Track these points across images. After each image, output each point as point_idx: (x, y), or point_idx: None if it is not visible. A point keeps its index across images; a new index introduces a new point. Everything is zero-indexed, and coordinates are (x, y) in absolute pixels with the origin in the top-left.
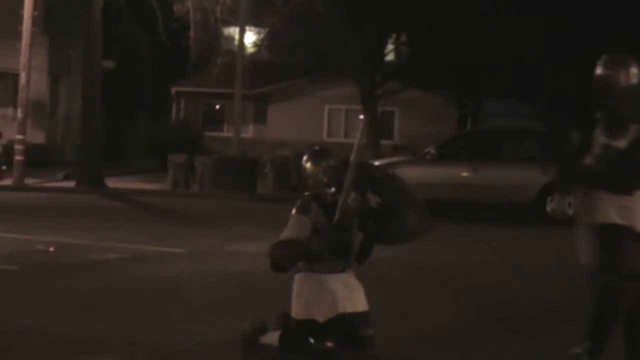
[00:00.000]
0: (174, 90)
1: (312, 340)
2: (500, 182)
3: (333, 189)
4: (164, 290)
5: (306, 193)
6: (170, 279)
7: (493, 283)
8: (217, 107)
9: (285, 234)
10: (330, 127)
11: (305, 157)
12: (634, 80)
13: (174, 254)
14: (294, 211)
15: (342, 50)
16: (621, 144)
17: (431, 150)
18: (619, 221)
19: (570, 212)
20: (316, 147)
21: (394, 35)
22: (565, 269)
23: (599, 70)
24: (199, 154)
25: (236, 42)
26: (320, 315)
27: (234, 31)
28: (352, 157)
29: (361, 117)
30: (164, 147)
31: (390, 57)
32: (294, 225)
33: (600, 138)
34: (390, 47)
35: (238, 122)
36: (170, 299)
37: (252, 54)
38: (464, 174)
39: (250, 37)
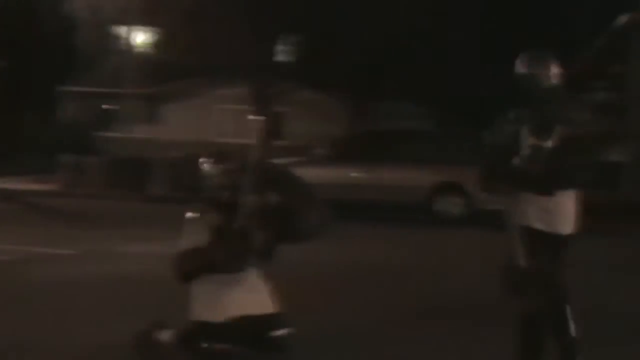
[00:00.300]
0: (64, 89)
1: (207, 343)
2: (392, 183)
3: (229, 192)
4: (55, 293)
5: (203, 195)
6: (63, 282)
7: (387, 281)
8: (109, 107)
9: (185, 242)
10: (221, 127)
11: (204, 159)
12: (555, 80)
13: (65, 256)
14: (189, 215)
15: (234, 50)
16: (549, 144)
17: (323, 151)
18: (538, 225)
19: (457, 212)
20: (215, 149)
21: (286, 36)
22: (459, 267)
23: (521, 70)
24: (90, 154)
25: (127, 42)
26: (217, 316)
27: (124, 30)
28: (250, 159)
29: (254, 117)
30: (54, 147)
31: (283, 57)
32: (192, 230)
33: (528, 139)
34: (283, 47)
35: (129, 122)
36: (63, 302)
37: (143, 54)
38: (356, 174)
39: (142, 37)
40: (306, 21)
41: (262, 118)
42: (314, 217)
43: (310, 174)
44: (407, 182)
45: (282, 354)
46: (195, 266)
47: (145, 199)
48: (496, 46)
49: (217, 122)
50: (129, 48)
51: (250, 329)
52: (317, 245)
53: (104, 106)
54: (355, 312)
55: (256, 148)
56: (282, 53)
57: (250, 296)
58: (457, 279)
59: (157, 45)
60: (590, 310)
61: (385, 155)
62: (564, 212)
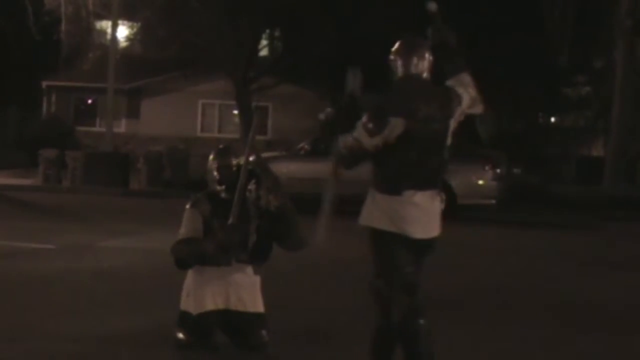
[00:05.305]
0: (44, 84)
1: (184, 333)
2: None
3: (223, 187)
4: (35, 287)
5: (206, 188)
6: (42, 276)
7: (368, 276)
8: (89, 101)
9: (182, 231)
10: (204, 122)
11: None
12: (419, 69)
13: (45, 250)
14: (187, 205)
15: (215, 45)
16: (371, 140)
17: (305, 145)
18: (387, 227)
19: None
20: (221, 145)
21: (268, 30)
22: (436, 262)
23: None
24: (71, 148)
25: (108, 36)
26: (195, 307)
27: (106, 25)
28: (245, 156)
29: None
30: (34, 141)
31: (264, 52)
32: (187, 219)
33: (357, 129)
34: (264, 41)
35: (110, 117)
36: (42, 296)
37: (125, 48)
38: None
39: (123, 31)
40: (286, 16)
41: (259, 112)
42: (300, 230)
43: (291, 167)
44: None
45: (259, 353)
46: (187, 255)
47: (126, 194)
48: (478, 40)
49: (198, 116)
50: (109, 42)
51: (234, 325)
52: None
53: (84, 101)
54: (337, 307)
55: (251, 145)
56: (264, 47)
57: (233, 292)
58: (434, 274)
59: (138, 39)
60: (575, 304)
61: None
62: (414, 213)
